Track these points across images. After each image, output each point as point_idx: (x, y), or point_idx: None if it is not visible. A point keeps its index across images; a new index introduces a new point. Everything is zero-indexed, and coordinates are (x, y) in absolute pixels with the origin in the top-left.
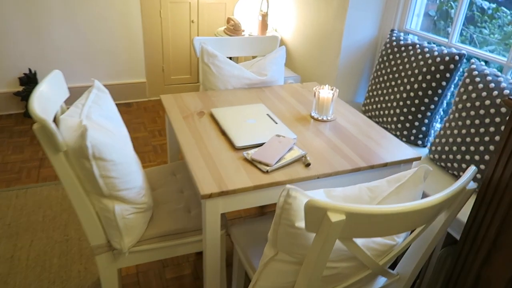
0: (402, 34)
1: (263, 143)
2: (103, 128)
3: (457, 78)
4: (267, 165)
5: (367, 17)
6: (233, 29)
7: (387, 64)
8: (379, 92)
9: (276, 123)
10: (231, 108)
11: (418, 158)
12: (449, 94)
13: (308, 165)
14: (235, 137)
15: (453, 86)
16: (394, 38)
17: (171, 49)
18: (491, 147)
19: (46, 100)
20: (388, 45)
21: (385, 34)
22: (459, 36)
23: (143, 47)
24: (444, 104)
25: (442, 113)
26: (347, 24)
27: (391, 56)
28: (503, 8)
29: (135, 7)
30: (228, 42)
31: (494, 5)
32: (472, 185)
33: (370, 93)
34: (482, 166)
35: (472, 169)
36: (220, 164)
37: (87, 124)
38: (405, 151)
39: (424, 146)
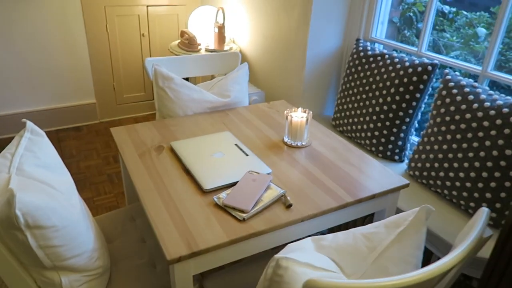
0: (368, 43)
1: (235, 183)
2: (40, 184)
3: (430, 88)
4: (242, 211)
5: (331, 26)
6: (188, 43)
7: (355, 75)
8: (349, 105)
9: (247, 155)
10: (193, 140)
11: (406, 185)
12: (423, 105)
13: (289, 206)
14: (202, 177)
15: (427, 97)
16: (360, 47)
17: (121, 65)
18: (476, 164)
19: None
20: (355, 56)
21: (350, 43)
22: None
23: (89, 64)
24: (419, 116)
25: (417, 125)
26: (311, 34)
27: (359, 67)
28: (463, 11)
29: (77, 21)
30: (184, 61)
31: (454, 9)
32: (489, 232)
33: (340, 107)
34: (468, 184)
35: (485, 212)
36: (187, 215)
37: (14, 186)
38: (391, 178)
39: (402, 161)
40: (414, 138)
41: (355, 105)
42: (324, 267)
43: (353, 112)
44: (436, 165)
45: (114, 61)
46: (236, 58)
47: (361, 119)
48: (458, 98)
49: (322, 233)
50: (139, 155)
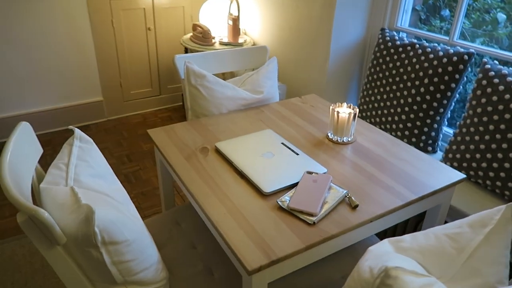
0: (394, 33)
1: (295, 184)
2: (100, 195)
3: (465, 78)
4: (311, 214)
5: (356, 15)
6: (202, 36)
7: (383, 66)
8: (377, 97)
9: (297, 154)
10: (237, 140)
11: (463, 180)
12: (457, 95)
13: (356, 206)
14: (259, 180)
15: (461, 87)
16: (387, 37)
17: (127, 61)
18: (511, 154)
19: (18, 171)
20: (382, 46)
21: (374, 33)
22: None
23: (96, 61)
24: (452, 107)
25: (449, 115)
26: (336, 25)
27: (387, 58)
28: None
29: (83, 18)
30: (213, 57)
31: None
32: None
33: (366, 98)
34: (509, 185)
35: None
36: (255, 222)
37: (92, 204)
38: (447, 172)
39: (435, 152)
40: (446, 129)
41: (384, 96)
42: (422, 272)
43: (382, 104)
44: (478, 156)
45: (120, 57)
46: (265, 52)
47: (392, 110)
48: (501, 87)
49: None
50: (186, 158)
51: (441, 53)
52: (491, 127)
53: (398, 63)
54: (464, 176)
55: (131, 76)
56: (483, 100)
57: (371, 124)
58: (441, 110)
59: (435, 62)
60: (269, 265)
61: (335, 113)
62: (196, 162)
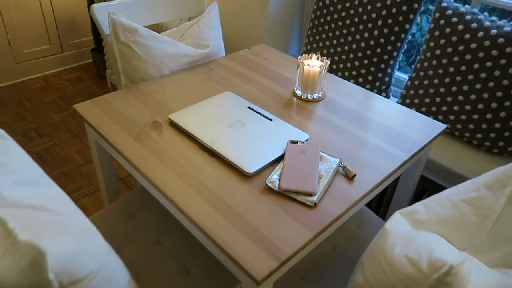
0: None
1: (279, 157)
2: (39, 212)
3: (418, 18)
4: (309, 194)
5: None
6: None
7: (330, 8)
8: (326, 42)
9: (271, 119)
10: (194, 108)
11: (446, 129)
12: (409, 37)
13: (354, 176)
14: (238, 159)
15: (414, 27)
16: None
17: (13, 11)
18: (485, 95)
19: None
20: None
21: None
22: None
23: None
24: (404, 49)
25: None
26: None
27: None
28: None
29: None
30: (144, 5)
31: None
32: None
33: (313, 45)
34: (475, 116)
35: None
36: (247, 213)
37: (36, 237)
38: (427, 123)
39: (388, 98)
40: (397, 73)
41: (334, 41)
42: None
43: (331, 50)
44: (438, 99)
45: (3, 7)
46: None
47: (343, 56)
48: (460, 27)
49: None
50: (135, 138)
51: None
52: (451, 69)
53: (347, 4)
54: (445, 125)
55: (21, 31)
56: (442, 41)
57: None
58: (395, 53)
59: (388, 2)
60: (279, 267)
61: (304, 67)
62: (150, 142)
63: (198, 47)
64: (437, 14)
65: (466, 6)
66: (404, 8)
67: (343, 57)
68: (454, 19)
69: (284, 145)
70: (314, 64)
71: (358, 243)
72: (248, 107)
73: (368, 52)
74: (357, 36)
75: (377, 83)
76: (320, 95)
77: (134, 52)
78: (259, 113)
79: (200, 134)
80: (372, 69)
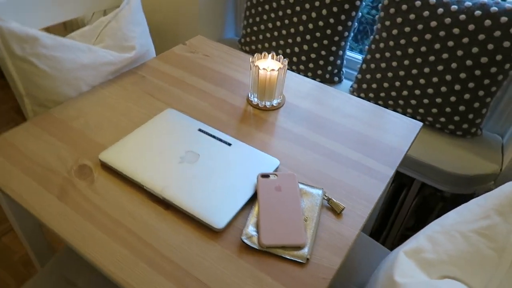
0: None
1: (249, 200)
2: None
3: None
4: (298, 247)
5: None
6: None
7: None
8: (268, 25)
9: (229, 144)
10: (130, 139)
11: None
12: (360, 14)
13: (342, 210)
14: (201, 210)
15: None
16: None
17: None
18: (448, 77)
19: None
20: None
21: None
22: None
23: None
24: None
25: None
26: None
27: None
28: None
29: None
30: (34, 2)
31: None
32: None
33: (253, 27)
34: (438, 100)
35: None
36: (226, 286)
37: None
38: (402, 123)
39: (341, 82)
40: (350, 54)
41: (277, 23)
42: None
43: (275, 33)
44: (397, 83)
45: None
46: None
47: (289, 40)
48: (418, 3)
49: None
50: (58, 197)
51: None
52: (411, 50)
53: None
54: (421, 124)
55: None
56: (399, 20)
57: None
58: (346, 33)
59: None
60: None
61: (260, 71)
62: (79, 198)
63: (121, 50)
64: None
65: None
66: None
67: (290, 40)
68: (418, 2)
69: (253, 179)
70: (270, 66)
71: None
72: (199, 129)
73: (318, 34)
74: (304, 17)
75: (329, 67)
76: (279, 101)
77: (38, 68)
78: (214, 136)
79: (146, 178)
80: (323, 52)
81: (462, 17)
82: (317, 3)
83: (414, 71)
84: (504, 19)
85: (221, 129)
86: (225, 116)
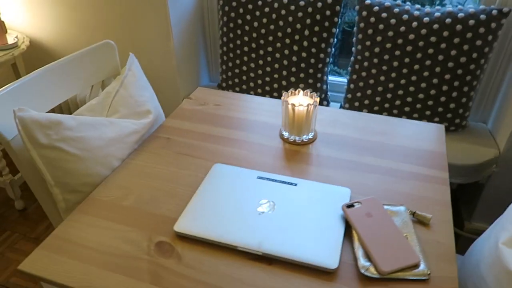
0: None
1: (344, 233)
2: None
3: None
4: (415, 265)
5: None
6: None
7: (238, 32)
8: (250, 64)
9: (295, 184)
10: (197, 203)
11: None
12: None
13: (429, 220)
14: (310, 255)
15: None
16: None
17: None
18: (435, 80)
19: None
20: (226, 8)
21: None
22: None
23: None
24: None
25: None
26: None
27: (240, 19)
28: None
29: None
30: (40, 84)
31: None
32: None
33: (235, 70)
34: (430, 102)
35: None
36: None
37: None
38: (430, 128)
39: (328, 105)
40: (332, 78)
41: (259, 61)
42: None
43: (259, 71)
44: (389, 95)
45: None
46: (112, 52)
47: (275, 75)
48: (392, 21)
49: None
50: (153, 282)
51: None
52: (395, 63)
53: (264, 20)
54: (443, 126)
55: None
56: (379, 39)
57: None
58: (327, 59)
59: (309, 9)
60: None
61: (295, 108)
62: (173, 277)
63: (138, 117)
64: (364, 13)
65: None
66: (328, 12)
67: (275, 76)
68: (384, 14)
69: (337, 213)
70: (301, 101)
71: None
72: (258, 177)
73: (302, 64)
74: (286, 52)
75: (317, 94)
76: (313, 133)
77: (67, 153)
78: (276, 181)
79: (235, 238)
80: (310, 81)
81: (436, 26)
82: (297, 37)
83: (403, 81)
84: (471, 22)
85: (275, 172)
86: (270, 158)
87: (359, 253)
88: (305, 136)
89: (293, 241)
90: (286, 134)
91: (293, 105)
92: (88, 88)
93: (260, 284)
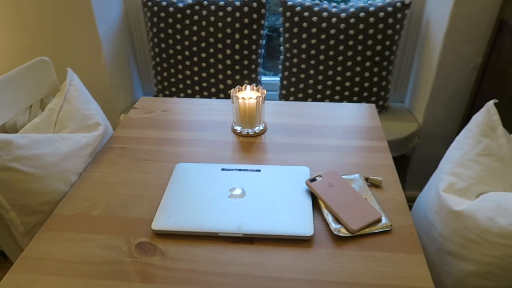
0: None
1: (313, 203)
2: None
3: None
4: (378, 220)
5: None
6: None
7: (169, 31)
8: (185, 72)
9: (258, 170)
10: (168, 201)
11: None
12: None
13: (381, 181)
14: (287, 228)
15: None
16: (158, 0)
17: None
18: (357, 69)
19: None
20: (161, 14)
21: (133, 2)
22: None
23: None
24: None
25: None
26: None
27: (170, 30)
28: None
29: None
30: None
31: None
32: None
33: (171, 79)
34: (356, 89)
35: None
36: (354, 278)
37: None
38: (361, 107)
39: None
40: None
41: (194, 68)
42: None
43: (195, 78)
44: (320, 87)
45: None
46: (48, 68)
47: (212, 80)
48: (314, 19)
49: None
50: (143, 281)
51: (237, 3)
52: (322, 57)
53: (194, 28)
54: (374, 105)
55: None
56: (304, 36)
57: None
58: (259, 60)
59: (237, 14)
60: None
61: (241, 101)
62: (164, 272)
63: (89, 130)
64: (288, 13)
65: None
66: (255, 15)
67: (212, 80)
68: (306, 13)
69: (302, 188)
70: (251, 96)
71: None
72: (222, 169)
73: (237, 67)
74: (220, 56)
75: None
76: (264, 124)
77: (22, 172)
78: (240, 170)
79: (215, 226)
80: (246, 81)
81: (352, 20)
82: (228, 41)
83: (330, 72)
84: (381, 14)
85: (236, 163)
86: (228, 152)
87: (329, 218)
88: (257, 127)
89: (269, 219)
90: (239, 128)
91: (244, 98)
92: (27, 108)
93: (247, 261)
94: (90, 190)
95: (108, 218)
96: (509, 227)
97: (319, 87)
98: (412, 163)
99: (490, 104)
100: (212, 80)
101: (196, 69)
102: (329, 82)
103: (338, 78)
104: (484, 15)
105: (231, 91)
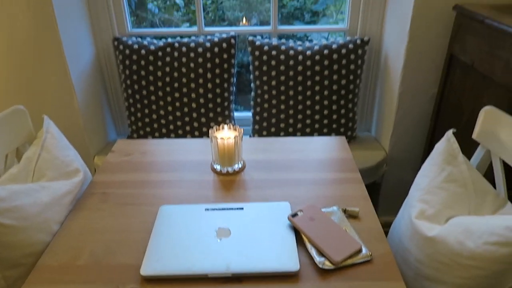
0: (131, 40)
1: (297, 238)
2: None
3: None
4: (359, 251)
5: (81, 27)
6: None
7: (142, 73)
8: (160, 111)
9: (241, 208)
10: (155, 245)
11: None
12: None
13: (358, 212)
14: (273, 265)
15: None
16: (133, 45)
17: None
18: (325, 102)
19: None
20: (129, 55)
21: (105, 45)
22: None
23: None
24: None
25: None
26: (66, 43)
27: (144, 71)
28: None
29: None
30: None
31: None
32: None
33: (145, 119)
34: (325, 121)
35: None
36: None
37: None
38: (332, 140)
39: None
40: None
41: (168, 108)
42: None
43: (170, 117)
44: (291, 121)
45: None
46: (23, 116)
47: (186, 118)
48: (282, 56)
49: None
50: None
51: (208, 44)
52: (291, 92)
53: (167, 69)
54: (344, 136)
55: None
56: (273, 73)
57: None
58: (231, 97)
59: (208, 55)
60: None
61: (220, 141)
62: None
63: (69, 177)
64: (256, 53)
65: (273, 39)
66: (225, 55)
67: (186, 119)
68: (274, 52)
69: (284, 224)
70: (228, 135)
71: None
72: (206, 209)
73: (210, 105)
74: (193, 95)
75: None
76: (242, 162)
77: (3, 225)
78: (223, 209)
79: (204, 268)
80: (220, 118)
81: (317, 57)
82: (201, 80)
83: (300, 107)
84: (343, 50)
85: (218, 202)
86: (210, 191)
87: (313, 252)
88: (236, 165)
89: (256, 257)
90: (218, 167)
91: (223, 138)
92: (2, 157)
93: None
94: (73, 238)
95: (94, 266)
96: (477, 250)
97: (291, 121)
98: (383, 189)
99: (450, 133)
100: (186, 119)
101: (170, 108)
102: (300, 116)
103: (308, 112)
104: (436, 50)
105: (210, 131)
